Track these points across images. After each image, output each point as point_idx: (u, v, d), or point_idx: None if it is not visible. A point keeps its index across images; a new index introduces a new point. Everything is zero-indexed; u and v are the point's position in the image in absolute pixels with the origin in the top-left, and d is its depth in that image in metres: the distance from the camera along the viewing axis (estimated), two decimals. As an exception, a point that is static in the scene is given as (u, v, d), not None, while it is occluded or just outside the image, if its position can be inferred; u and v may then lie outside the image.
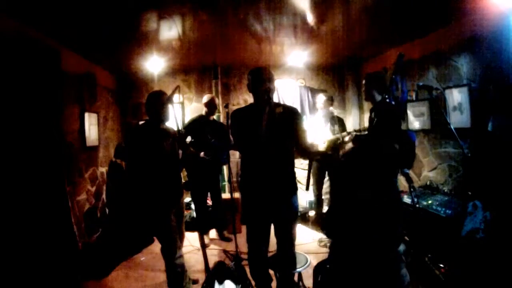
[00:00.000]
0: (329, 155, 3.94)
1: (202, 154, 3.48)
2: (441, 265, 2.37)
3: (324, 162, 4.02)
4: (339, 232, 1.67)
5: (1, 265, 2.20)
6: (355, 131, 3.84)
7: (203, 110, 3.76)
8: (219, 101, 4.71)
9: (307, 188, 2.26)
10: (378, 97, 2.73)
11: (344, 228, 1.63)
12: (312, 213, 4.47)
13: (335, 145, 3.81)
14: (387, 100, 2.17)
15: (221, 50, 4.10)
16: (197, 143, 3.52)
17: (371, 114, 2.91)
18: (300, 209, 4.19)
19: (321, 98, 3.98)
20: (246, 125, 2.03)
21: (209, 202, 4.09)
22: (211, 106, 3.71)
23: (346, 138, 3.76)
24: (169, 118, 2.44)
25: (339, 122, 4.08)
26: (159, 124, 2.43)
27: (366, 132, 3.30)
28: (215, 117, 3.88)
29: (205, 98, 3.76)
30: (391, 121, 2.44)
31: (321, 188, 4.20)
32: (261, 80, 1.99)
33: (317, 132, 3.87)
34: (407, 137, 2.48)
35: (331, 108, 4.38)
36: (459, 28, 2.98)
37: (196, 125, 3.69)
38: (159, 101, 2.38)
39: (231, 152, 4.41)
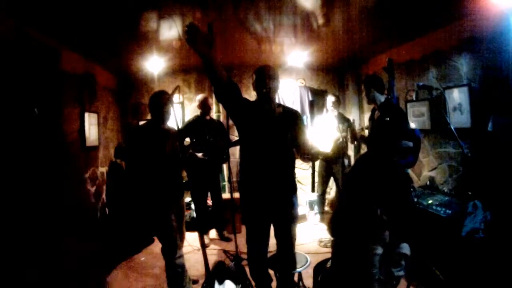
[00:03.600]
0: (330, 156, 3.98)
1: (200, 155, 3.48)
2: (441, 265, 2.37)
3: (327, 163, 4.05)
4: (343, 233, 1.67)
5: (1, 266, 2.20)
6: (362, 128, 3.87)
7: (198, 111, 3.79)
8: (214, 100, 4.70)
9: (313, 190, 2.27)
10: (380, 97, 2.74)
11: (347, 229, 1.63)
12: (312, 213, 4.48)
13: (337, 145, 3.85)
14: (392, 101, 2.20)
15: (221, 50, 4.10)
16: (197, 144, 3.52)
17: (372, 114, 2.92)
18: (300, 209, 4.20)
19: (330, 99, 4.00)
20: (249, 118, 2.00)
21: (209, 202, 4.09)
22: (204, 106, 3.74)
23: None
24: (169, 118, 2.44)
25: (347, 122, 4.10)
26: (161, 124, 2.44)
27: (367, 130, 3.31)
28: (215, 116, 3.88)
29: (198, 99, 3.79)
30: (400, 120, 2.48)
31: (326, 188, 4.23)
32: (262, 77, 1.98)
33: (329, 132, 3.87)
34: (414, 134, 2.52)
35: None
36: (459, 28, 2.98)
37: (193, 126, 3.71)
38: (161, 100, 2.39)
39: (231, 152, 4.41)
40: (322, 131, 3.87)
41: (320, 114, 4.33)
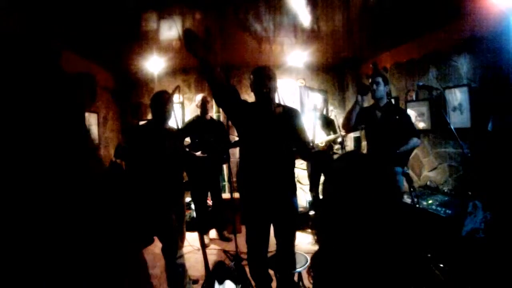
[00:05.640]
0: (329, 155, 3.99)
1: (199, 153, 3.49)
2: (441, 265, 2.37)
3: (322, 162, 4.07)
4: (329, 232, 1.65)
5: (1, 266, 2.20)
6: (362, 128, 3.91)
7: (199, 111, 3.79)
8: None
9: (311, 189, 2.29)
10: (384, 95, 2.71)
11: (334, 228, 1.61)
12: (312, 213, 4.48)
13: (331, 145, 3.89)
14: (392, 102, 2.21)
15: (221, 50, 4.10)
16: (197, 144, 3.52)
17: (371, 111, 2.91)
18: (300, 209, 4.22)
19: (319, 97, 4.04)
20: (248, 119, 2.00)
21: (209, 202, 4.09)
22: (205, 106, 3.75)
23: (339, 139, 3.85)
24: (170, 118, 2.45)
25: (327, 121, 4.19)
26: (162, 124, 2.44)
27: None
28: (214, 116, 3.89)
29: (197, 99, 3.80)
30: (408, 120, 2.49)
31: (318, 188, 4.24)
32: (261, 78, 1.98)
33: (315, 132, 3.91)
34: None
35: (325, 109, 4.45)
36: (459, 28, 2.97)
37: (193, 126, 3.71)
38: (161, 100, 2.39)
39: (231, 152, 4.40)
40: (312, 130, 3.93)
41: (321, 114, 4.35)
